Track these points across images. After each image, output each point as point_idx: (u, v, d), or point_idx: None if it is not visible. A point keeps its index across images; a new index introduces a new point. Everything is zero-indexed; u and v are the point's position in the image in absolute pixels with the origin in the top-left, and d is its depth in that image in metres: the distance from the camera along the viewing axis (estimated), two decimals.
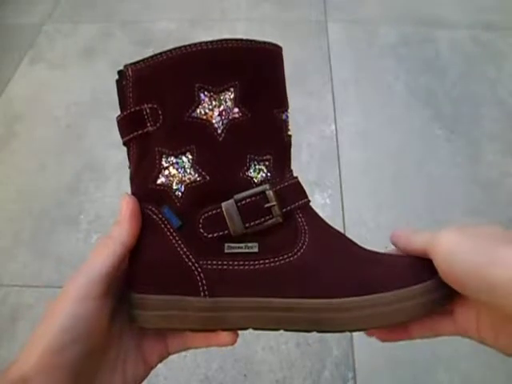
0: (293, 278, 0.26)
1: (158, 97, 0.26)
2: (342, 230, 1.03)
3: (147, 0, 1.68)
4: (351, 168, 1.15)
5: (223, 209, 0.26)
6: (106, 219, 1.07)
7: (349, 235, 0.28)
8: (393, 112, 1.28)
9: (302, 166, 1.15)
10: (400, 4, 1.62)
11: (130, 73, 0.26)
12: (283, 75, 0.29)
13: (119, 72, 0.28)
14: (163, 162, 0.27)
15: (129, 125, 0.27)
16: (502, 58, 1.41)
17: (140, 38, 1.53)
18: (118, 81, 0.28)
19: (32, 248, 1.04)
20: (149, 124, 0.27)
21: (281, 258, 0.26)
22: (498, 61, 1.40)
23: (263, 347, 0.86)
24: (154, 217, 0.27)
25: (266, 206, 0.26)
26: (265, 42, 0.27)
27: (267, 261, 0.26)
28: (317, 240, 0.27)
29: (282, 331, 0.26)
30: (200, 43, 0.25)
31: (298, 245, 0.26)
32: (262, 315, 0.26)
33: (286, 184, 0.27)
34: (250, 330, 0.27)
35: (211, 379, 0.84)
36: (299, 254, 0.26)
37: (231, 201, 0.26)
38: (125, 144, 0.28)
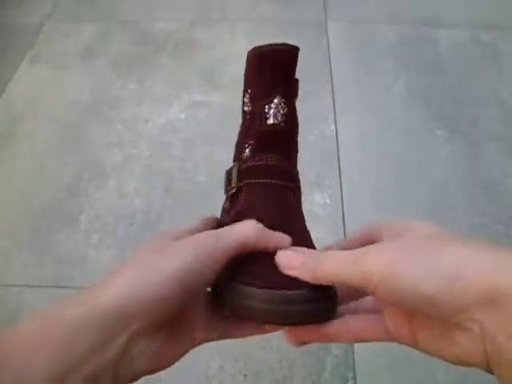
0: None
1: None
2: (341, 230, 1.04)
3: (147, 0, 1.68)
4: (351, 168, 1.15)
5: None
6: (106, 219, 1.08)
7: None
8: (393, 112, 1.28)
9: (302, 165, 1.15)
10: (400, 4, 1.62)
11: None
12: (279, 72, 0.35)
13: None
14: None
15: None
16: (502, 58, 1.41)
17: (140, 37, 1.53)
18: None
19: (32, 248, 1.04)
20: None
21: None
22: (498, 61, 1.40)
23: (263, 347, 0.86)
24: None
25: (230, 178, 0.35)
26: (281, 44, 0.34)
27: (227, 217, 0.34)
28: (239, 215, 0.33)
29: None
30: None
31: (231, 213, 0.33)
32: None
33: (249, 165, 0.35)
34: None
35: (211, 379, 0.84)
36: (226, 221, 0.33)
37: (226, 171, 0.37)
38: None
